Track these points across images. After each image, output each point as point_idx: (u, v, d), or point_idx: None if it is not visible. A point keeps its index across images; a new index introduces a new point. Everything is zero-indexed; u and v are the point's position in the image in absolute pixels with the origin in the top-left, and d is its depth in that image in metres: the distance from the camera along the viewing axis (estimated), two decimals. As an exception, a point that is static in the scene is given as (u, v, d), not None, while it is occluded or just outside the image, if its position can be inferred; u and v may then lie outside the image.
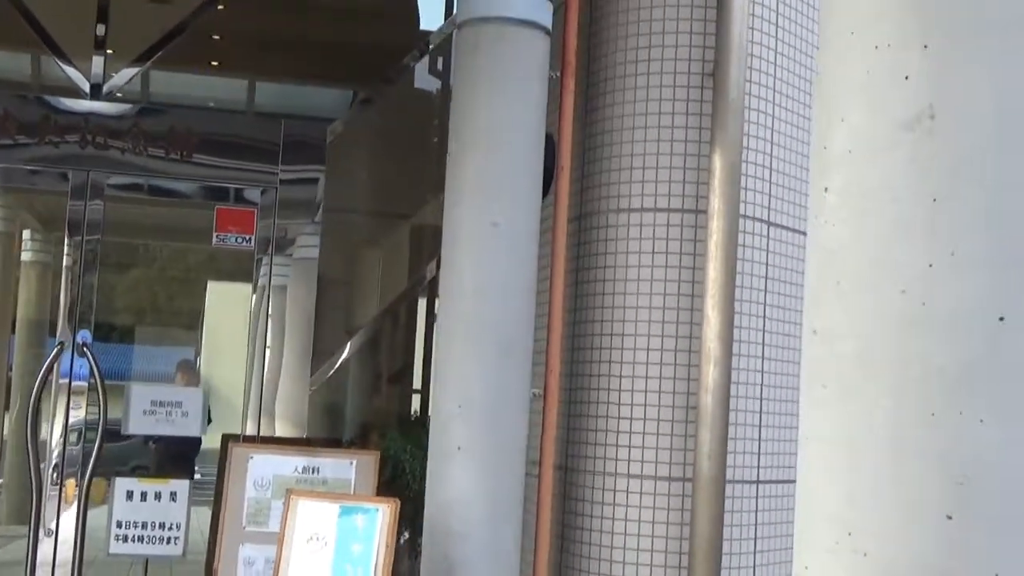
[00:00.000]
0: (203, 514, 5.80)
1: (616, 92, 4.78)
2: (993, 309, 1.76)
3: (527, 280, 4.66)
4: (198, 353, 8.90)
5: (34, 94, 6.42)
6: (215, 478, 5.51)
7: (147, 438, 6.79)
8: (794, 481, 2.59)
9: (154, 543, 5.39)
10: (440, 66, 6.66)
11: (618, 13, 4.80)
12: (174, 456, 6.69)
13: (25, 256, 8.68)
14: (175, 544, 5.43)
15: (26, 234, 8.56)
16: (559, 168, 4.76)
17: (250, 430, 6.47)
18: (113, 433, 5.94)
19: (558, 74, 4.80)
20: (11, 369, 8.44)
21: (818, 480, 1.90)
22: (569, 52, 4.79)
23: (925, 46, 1.80)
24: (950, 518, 1.74)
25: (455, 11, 4.84)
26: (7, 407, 8.35)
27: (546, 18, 4.70)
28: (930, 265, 1.78)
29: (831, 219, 1.90)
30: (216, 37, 6.96)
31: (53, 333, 7.14)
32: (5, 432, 8.53)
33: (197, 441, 6.40)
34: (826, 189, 1.92)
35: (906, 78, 1.81)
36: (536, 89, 4.68)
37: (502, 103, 4.61)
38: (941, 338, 1.77)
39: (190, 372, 7.54)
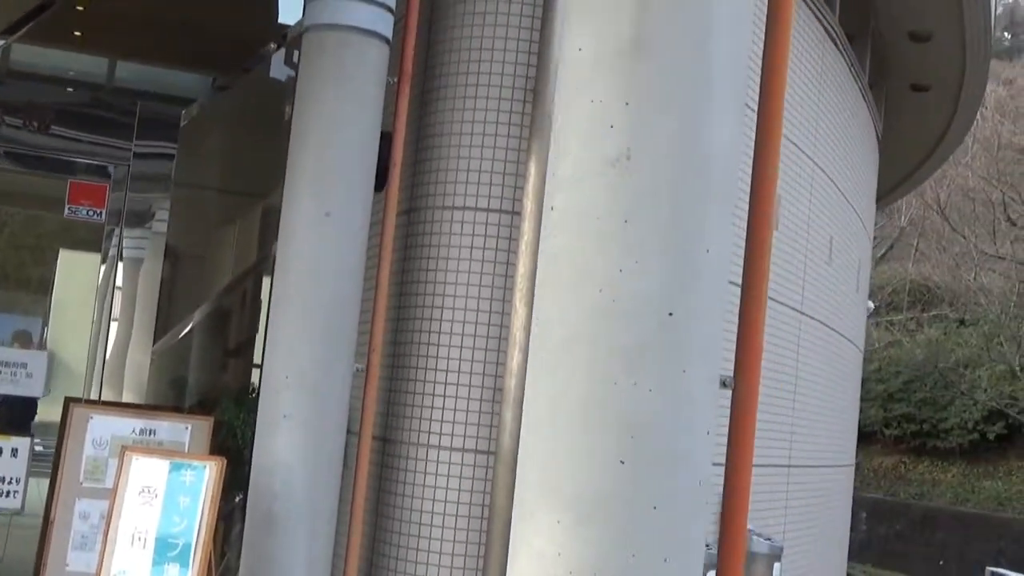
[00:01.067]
0: (41, 484, 6.08)
1: (447, 100, 5.31)
2: (664, 306, 2.34)
3: (355, 266, 5.16)
4: (45, 321, 9.12)
5: None
6: (54, 448, 5.83)
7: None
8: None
9: (-8, 496, 5.73)
10: (295, 59, 7.08)
11: (453, 28, 5.33)
12: (15, 416, 6.98)
13: None
14: (14, 497, 5.77)
15: None
16: (392, 164, 5.27)
17: (92, 395, 6.81)
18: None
19: (395, 80, 5.31)
20: None
21: (532, 437, 2.46)
22: (406, 61, 5.30)
23: (627, 103, 2.37)
24: (623, 463, 2.31)
25: (304, 14, 5.28)
26: None
27: (387, 29, 5.21)
28: (620, 270, 2.35)
29: (554, 232, 2.46)
30: (80, 8, 7.20)
31: None
32: None
33: (34, 402, 6.70)
34: (552, 208, 2.48)
35: (611, 126, 2.37)
36: (373, 92, 5.19)
37: (340, 103, 5.11)
38: (624, 326, 2.34)
39: (27, 341, 7.78)
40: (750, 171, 2.97)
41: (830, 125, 7.89)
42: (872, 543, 19.82)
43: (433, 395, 5.17)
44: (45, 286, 9.39)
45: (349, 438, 5.27)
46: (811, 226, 7.61)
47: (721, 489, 2.80)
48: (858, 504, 17.99)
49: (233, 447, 5.82)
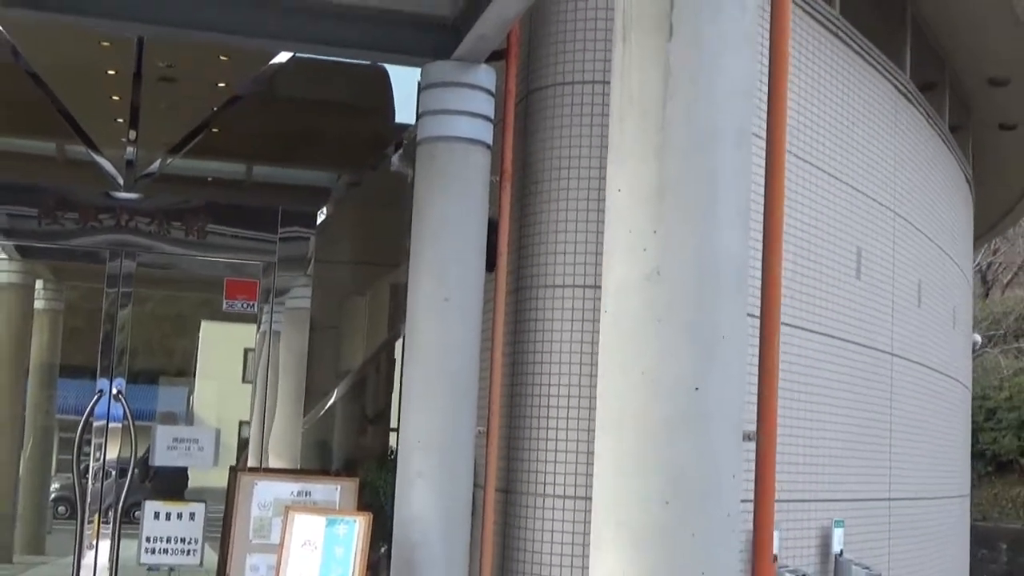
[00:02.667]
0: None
1: (543, 192, 6.18)
2: (692, 383, 3.15)
3: (472, 341, 6.06)
4: (191, 390, 10.30)
5: (76, 184, 7.80)
6: (223, 511, 6.83)
7: (156, 469, 8.13)
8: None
9: (177, 555, 6.74)
10: (412, 155, 8.06)
11: (543, 131, 6.22)
12: (179, 484, 8.07)
13: (38, 304, 10.03)
14: (194, 555, 6.78)
15: (38, 283, 9.93)
16: (499, 253, 6.17)
17: (252, 462, 7.82)
18: (141, 466, 7.32)
19: (497, 178, 6.22)
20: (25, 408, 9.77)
21: (600, 483, 3.29)
22: (506, 162, 6.21)
23: (654, 231, 3.20)
24: (667, 503, 3.12)
25: (417, 129, 6.25)
26: (22, 445, 9.69)
27: (487, 136, 6.14)
28: (656, 358, 3.16)
29: (607, 329, 3.28)
30: (228, 131, 8.28)
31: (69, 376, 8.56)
32: (20, 468, 9.84)
33: (186, 471, 7.79)
34: (606, 311, 3.31)
35: (644, 250, 3.20)
36: (479, 190, 6.11)
37: (450, 201, 6.04)
38: (663, 399, 3.15)
39: (172, 421, 8.88)
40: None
41: (910, 175, 8.54)
42: (1014, 573, 19.84)
43: (545, 450, 5.99)
44: (189, 358, 10.55)
45: (476, 491, 6.14)
46: (896, 273, 8.25)
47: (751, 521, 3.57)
48: (997, 535, 18.07)
49: (376, 503, 6.71)
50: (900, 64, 8.58)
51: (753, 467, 3.58)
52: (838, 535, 7.57)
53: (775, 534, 6.65)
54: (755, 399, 3.63)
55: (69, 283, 10.15)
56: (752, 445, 3.55)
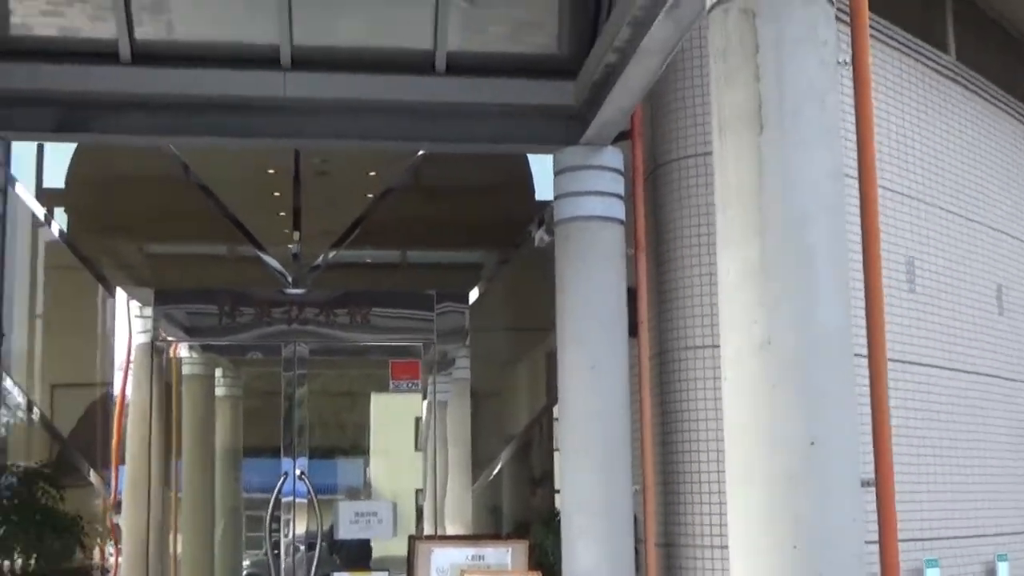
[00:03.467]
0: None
1: (676, 260, 6.62)
2: (807, 438, 3.53)
3: (622, 404, 6.50)
4: (367, 463, 10.97)
5: (248, 282, 8.59)
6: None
7: (341, 542, 8.76)
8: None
9: (361, 623, 7.33)
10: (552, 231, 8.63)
11: (672, 203, 6.66)
12: (363, 554, 8.68)
13: (219, 391, 10.84)
14: (378, 624, 7.35)
15: (217, 372, 10.74)
16: (639, 320, 6.61)
17: (427, 529, 8.38)
18: (327, 539, 7.97)
19: (633, 251, 6.68)
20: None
21: (735, 530, 3.68)
22: (639, 234, 6.67)
23: (762, 305, 3.61)
24: (795, 547, 3.50)
25: (554, 211, 6.78)
26: (214, 524, 10.45)
27: (619, 212, 6.62)
28: (773, 419, 3.56)
29: (728, 394, 3.69)
30: (383, 222, 8.95)
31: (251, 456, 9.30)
32: (215, 546, 10.60)
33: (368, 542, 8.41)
34: (726, 378, 3.73)
35: (755, 322, 3.61)
36: (616, 264, 6.59)
37: (590, 277, 6.54)
38: (783, 454, 3.54)
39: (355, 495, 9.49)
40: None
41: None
42: None
43: (699, 503, 6.38)
44: (363, 432, 11.20)
45: (637, 546, 6.55)
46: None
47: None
48: None
49: (546, 563, 7.14)
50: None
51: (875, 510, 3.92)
52: (1003, 568, 7.69)
53: (936, 571, 6.91)
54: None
55: (246, 370, 10.97)
56: (872, 490, 3.89)
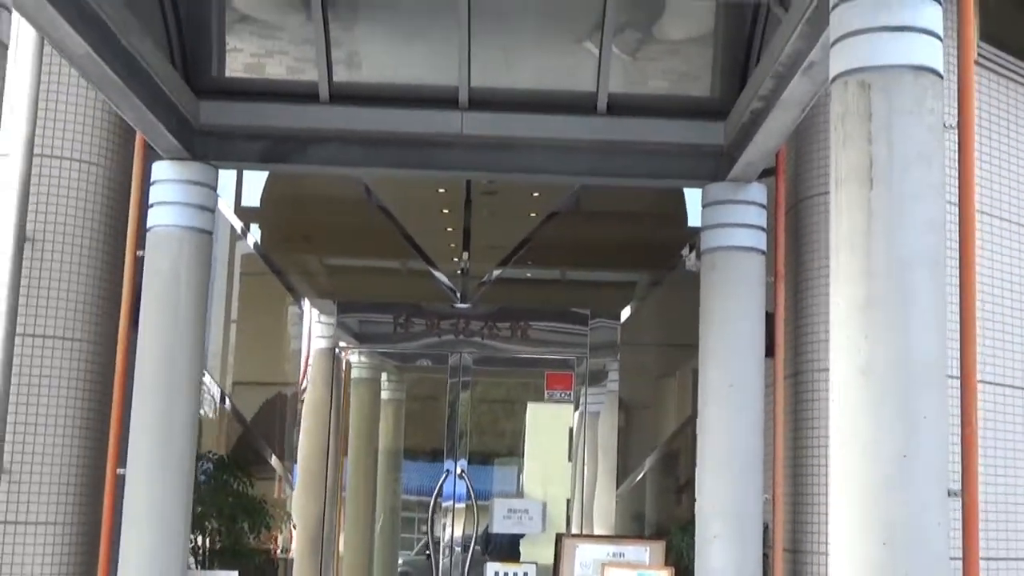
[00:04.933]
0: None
1: (813, 289, 7.25)
2: (900, 452, 4.18)
3: (756, 420, 7.16)
4: (520, 469, 11.79)
5: (418, 295, 9.55)
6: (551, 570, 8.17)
7: (495, 541, 9.60)
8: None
9: (513, 608, 8.13)
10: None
11: (810, 235, 7.30)
12: (515, 547, 9.51)
13: (384, 395, 11.80)
14: (527, 608, 8.14)
15: (383, 376, 11.71)
16: (776, 343, 7.27)
17: (574, 529, 9.16)
18: (482, 541, 8.85)
19: (772, 279, 7.34)
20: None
21: (835, 530, 4.34)
22: (779, 264, 7.33)
23: (866, 336, 4.27)
24: (884, 544, 4.15)
25: (701, 241, 7.49)
26: (375, 521, 11.37)
27: (761, 243, 7.28)
28: (873, 433, 4.22)
29: (836, 412, 4.37)
30: (544, 244, 9.80)
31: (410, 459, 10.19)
32: (376, 538, 11.53)
33: (519, 538, 9.19)
34: (833, 400, 4.40)
35: (859, 351, 4.28)
36: (756, 291, 7.24)
37: (731, 302, 7.20)
38: (879, 465, 4.19)
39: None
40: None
41: None
42: None
43: (824, 513, 6.98)
44: (518, 438, 12.03)
45: (766, 551, 7.19)
46: None
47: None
48: None
49: (681, 564, 7.83)
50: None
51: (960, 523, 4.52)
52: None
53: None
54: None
55: (413, 376, 11.93)
56: (958, 502, 4.49)
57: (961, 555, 4.51)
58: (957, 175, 4.92)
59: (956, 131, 4.80)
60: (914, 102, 4.43)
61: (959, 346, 4.71)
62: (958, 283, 4.77)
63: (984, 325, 7.23)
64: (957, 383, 4.71)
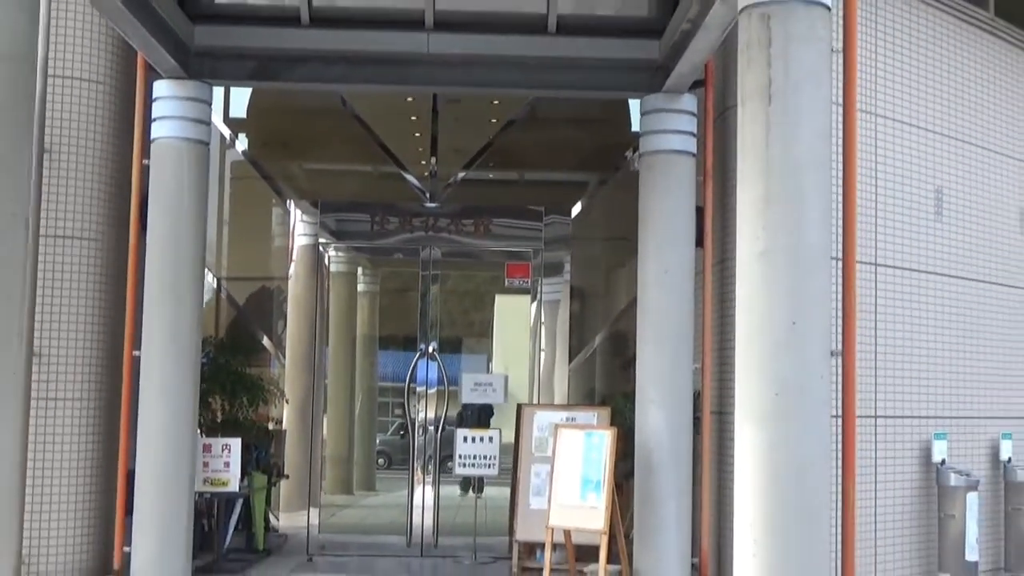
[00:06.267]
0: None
1: (734, 186, 7.89)
2: (790, 319, 4.90)
3: (688, 301, 7.89)
4: (490, 353, 12.52)
5: (390, 196, 10.15)
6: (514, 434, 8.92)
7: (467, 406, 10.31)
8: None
9: (479, 466, 8.88)
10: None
11: (734, 139, 7.92)
12: (484, 416, 10.21)
13: (360, 287, 12.44)
14: (493, 467, 8.90)
15: (359, 271, 12.34)
16: (704, 234, 7.96)
17: (533, 399, 9.92)
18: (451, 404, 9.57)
19: (702, 178, 8.00)
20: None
21: (743, 393, 5.09)
22: (707, 165, 8.00)
23: (764, 228, 4.95)
24: (777, 394, 4.88)
25: (639, 145, 8.11)
26: (353, 403, 12.06)
27: (692, 147, 7.95)
28: (765, 302, 4.93)
29: (739, 287, 5.08)
30: (504, 148, 10.36)
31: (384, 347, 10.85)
32: (355, 418, 12.23)
33: (491, 408, 9.88)
34: (738, 277, 5.10)
35: (758, 237, 4.96)
36: (687, 189, 7.93)
37: (666, 199, 7.89)
38: (771, 330, 4.91)
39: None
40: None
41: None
42: None
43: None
44: (485, 325, 12.73)
45: (698, 415, 7.97)
46: None
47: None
48: None
49: (624, 425, 8.59)
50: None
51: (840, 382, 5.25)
52: (1006, 446, 8.92)
53: (945, 444, 8.16)
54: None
55: (382, 270, 12.56)
56: (839, 359, 5.22)
57: (841, 406, 5.24)
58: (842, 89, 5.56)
59: (842, 54, 5.43)
60: (806, 30, 5.06)
61: (841, 231, 5.39)
62: (840, 180, 5.42)
63: (880, 212, 7.97)
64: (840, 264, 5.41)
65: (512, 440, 9.03)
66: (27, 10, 5.24)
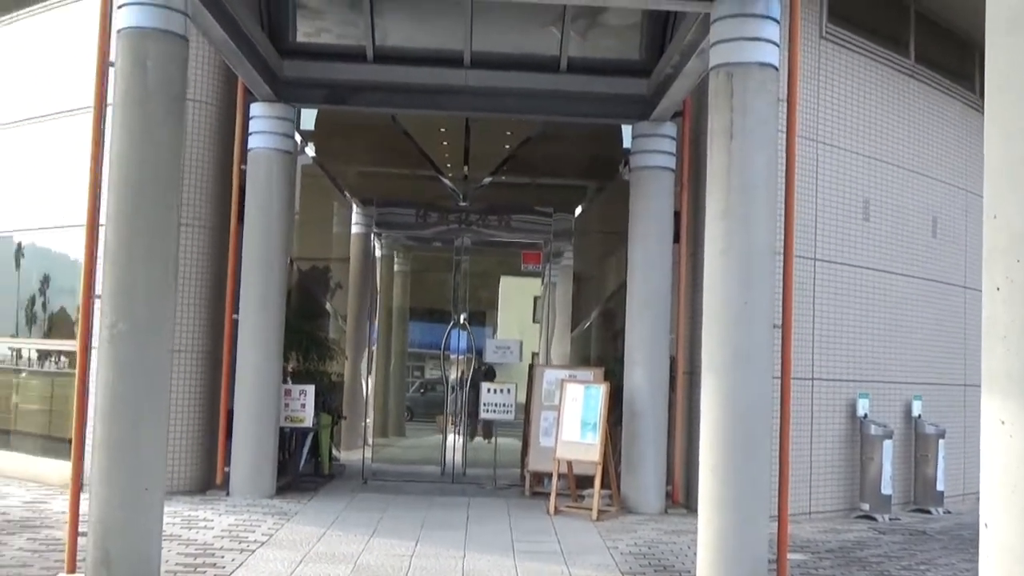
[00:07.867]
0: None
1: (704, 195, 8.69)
2: (741, 299, 5.69)
3: (666, 286, 8.68)
4: (494, 327, 13.30)
5: (429, 196, 10.92)
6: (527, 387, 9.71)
7: (488, 368, 11.11)
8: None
9: (500, 413, 9.69)
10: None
11: (703, 158, 8.70)
12: (489, 374, 11.00)
13: (396, 267, 13.21)
14: (510, 413, 9.71)
15: (404, 256, 13.12)
16: (681, 233, 8.75)
17: (541, 361, 10.71)
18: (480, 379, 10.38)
19: (679, 188, 8.78)
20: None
21: (707, 353, 5.89)
22: (684, 178, 8.77)
23: (726, 232, 5.74)
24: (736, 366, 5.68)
25: (630, 161, 8.87)
26: (388, 363, 12.84)
27: (672, 164, 8.72)
28: (730, 291, 5.73)
29: (707, 278, 5.85)
30: (522, 159, 11.09)
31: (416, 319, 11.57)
32: (390, 380, 13.01)
33: (494, 370, 10.63)
34: (707, 269, 5.88)
35: (717, 238, 5.75)
36: (668, 196, 8.70)
37: (651, 204, 8.67)
38: (723, 306, 5.70)
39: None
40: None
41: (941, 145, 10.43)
42: None
43: (711, 348, 8.53)
44: (507, 302, 13.46)
45: (674, 374, 8.77)
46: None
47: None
48: None
49: (614, 381, 9.36)
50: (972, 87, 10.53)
51: (781, 351, 6.01)
52: (916, 405, 9.70)
53: (867, 402, 8.91)
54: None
55: (423, 255, 13.32)
56: (780, 330, 5.99)
57: (781, 368, 6.00)
58: (785, 129, 6.32)
59: (786, 102, 6.19)
60: (759, 86, 5.84)
61: (783, 234, 6.15)
62: (783, 196, 6.17)
63: (819, 217, 8.74)
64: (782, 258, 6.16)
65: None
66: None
